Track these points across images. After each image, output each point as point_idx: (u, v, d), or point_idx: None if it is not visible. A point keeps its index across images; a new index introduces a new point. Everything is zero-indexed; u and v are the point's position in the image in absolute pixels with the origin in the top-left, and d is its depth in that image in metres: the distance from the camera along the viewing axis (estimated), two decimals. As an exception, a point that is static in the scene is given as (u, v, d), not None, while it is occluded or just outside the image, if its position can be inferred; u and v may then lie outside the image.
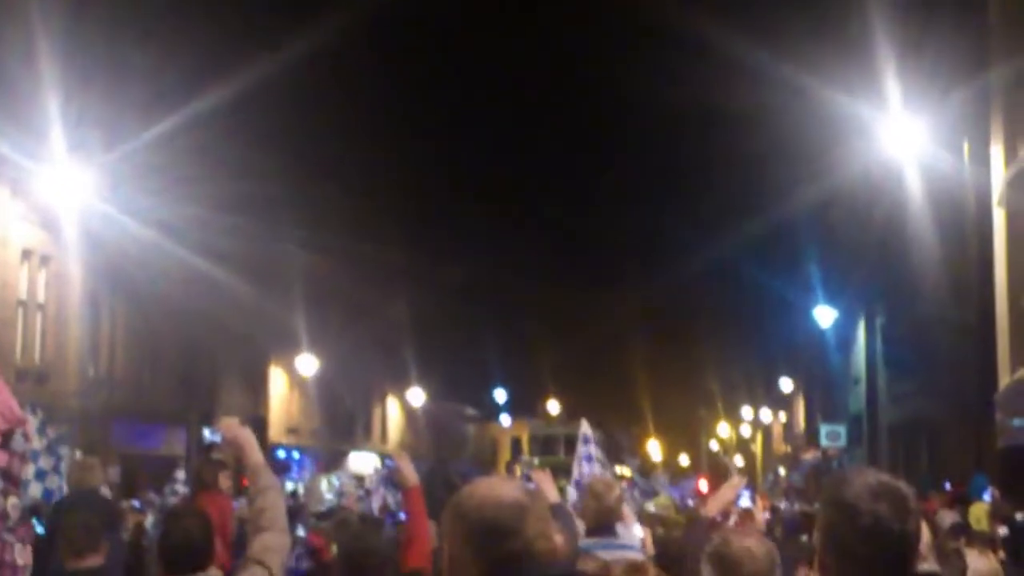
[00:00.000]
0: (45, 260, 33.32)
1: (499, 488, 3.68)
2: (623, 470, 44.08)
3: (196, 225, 36.00)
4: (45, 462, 14.13)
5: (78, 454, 19.63)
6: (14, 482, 8.18)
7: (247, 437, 4.92)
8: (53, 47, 29.69)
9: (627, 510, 10.02)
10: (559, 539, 6.36)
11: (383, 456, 58.46)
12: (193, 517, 6.50)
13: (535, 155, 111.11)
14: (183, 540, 6.31)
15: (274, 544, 5.71)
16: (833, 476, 4.11)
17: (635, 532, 10.59)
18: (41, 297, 33.38)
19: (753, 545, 5.42)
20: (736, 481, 8.57)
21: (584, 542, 8.31)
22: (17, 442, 8.49)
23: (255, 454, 4.90)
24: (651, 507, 21.00)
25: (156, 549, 7.59)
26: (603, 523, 8.60)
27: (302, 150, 48.85)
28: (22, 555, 8.46)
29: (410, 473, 7.78)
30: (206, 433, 38.83)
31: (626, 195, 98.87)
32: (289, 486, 44.79)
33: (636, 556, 7.79)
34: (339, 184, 54.26)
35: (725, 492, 8.40)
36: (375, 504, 20.52)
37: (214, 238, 37.16)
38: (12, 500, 8.18)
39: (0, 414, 8.04)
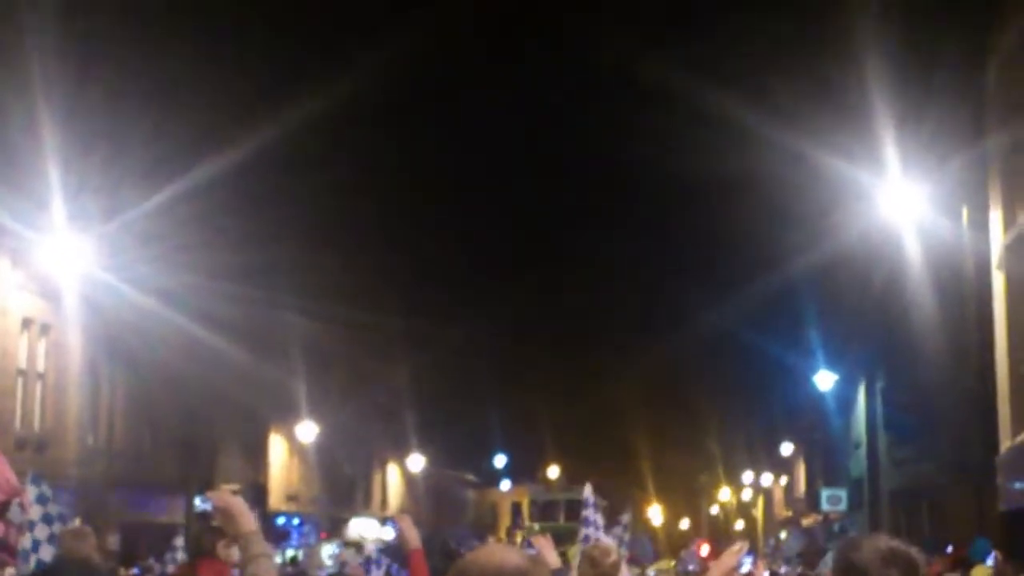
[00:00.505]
0: (45, 329, 33.30)
1: (501, 554, 3.68)
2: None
3: (196, 293, 35.97)
4: (41, 532, 14.05)
5: (76, 522, 19.55)
6: (10, 552, 8.14)
7: (238, 505, 4.86)
8: (53, 117, 29.73)
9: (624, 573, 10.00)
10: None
11: (383, 521, 58.37)
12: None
13: (534, 223, 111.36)
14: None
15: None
16: (845, 541, 4.10)
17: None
18: (41, 366, 33.32)
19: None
20: (738, 547, 8.50)
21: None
22: (14, 513, 8.46)
23: (247, 522, 4.85)
24: (652, 572, 20.94)
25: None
26: (600, 589, 8.61)
27: (301, 218, 48.88)
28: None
29: (412, 536, 7.76)
30: (197, 501, 38.70)
31: (627, 259, 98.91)
32: (290, 553, 44.74)
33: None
34: (339, 252, 54.30)
35: (727, 559, 8.33)
36: (377, 574, 20.38)
37: (214, 306, 37.11)
38: (9, 571, 8.15)
39: (-2, 486, 8.03)
